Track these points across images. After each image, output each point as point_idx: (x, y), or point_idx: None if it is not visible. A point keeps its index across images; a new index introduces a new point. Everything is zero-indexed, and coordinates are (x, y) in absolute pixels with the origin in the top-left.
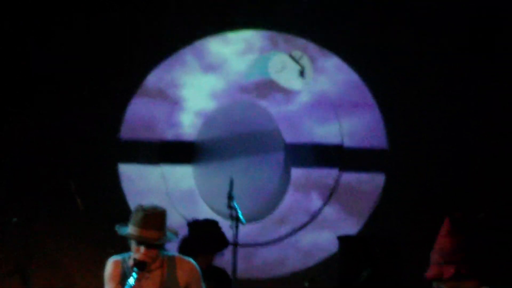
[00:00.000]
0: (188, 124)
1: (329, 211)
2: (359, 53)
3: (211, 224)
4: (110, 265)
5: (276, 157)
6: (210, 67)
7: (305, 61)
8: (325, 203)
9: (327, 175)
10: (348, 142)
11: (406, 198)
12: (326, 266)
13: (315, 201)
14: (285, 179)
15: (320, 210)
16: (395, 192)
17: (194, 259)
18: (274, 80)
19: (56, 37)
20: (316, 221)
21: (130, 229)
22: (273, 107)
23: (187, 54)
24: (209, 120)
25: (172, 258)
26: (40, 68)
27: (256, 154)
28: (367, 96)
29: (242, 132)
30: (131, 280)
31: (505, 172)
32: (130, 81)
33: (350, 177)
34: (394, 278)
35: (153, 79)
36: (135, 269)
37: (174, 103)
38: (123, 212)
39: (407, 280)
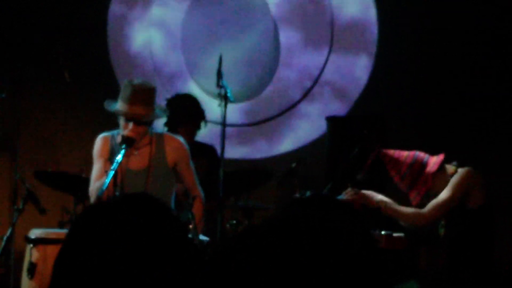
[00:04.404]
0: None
1: (319, 90)
2: None
3: (186, 97)
4: (99, 142)
5: (265, 30)
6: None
7: None
8: (315, 81)
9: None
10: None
11: (395, 77)
12: (314, 147)
13: (305, 81)
14: (275, 54)
15: (310, 87)
16: (384, 72)
17: (175, 131)
18: None
19: None
20: (306, 101)
21: (118, 105)
22: None
23: None
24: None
25: (160, 136)
26: None
27: (244, 29)
28: None
29: (229, 7)
30: (119, 157)
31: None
32: None
33: (339, 59)
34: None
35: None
36: (123, 145)
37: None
38: (112, 88)
39: None
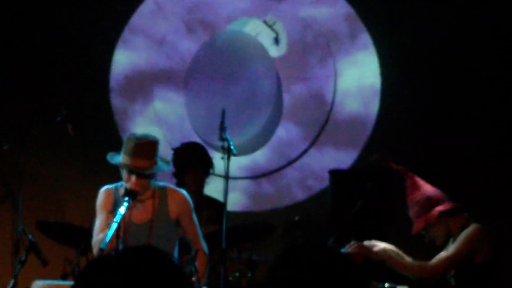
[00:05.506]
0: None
1: (321, 144)
2: None
3: (192, 145)
4: (102, 194)
5: (268, 88)
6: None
7: (278, 27)
8: (316, 137)
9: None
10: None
11: (398, 132)
12: (317, 200)
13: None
14: (277, 111)
15: (311, 144)
16: (387, 126)
17: (183, 180)
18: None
19: None
20: (308, 155)
21: (121, 158)
22: None
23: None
24: (200, 50)
25: (163, 189)
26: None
27: (248, 85)
28: None
29: (234, 62)
30: (122, 209)
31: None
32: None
33: (341, 115)
34: (385, 211)
35: None
36: (126, 198)
37: None
38: (115, 141)
39: (398, 213)
